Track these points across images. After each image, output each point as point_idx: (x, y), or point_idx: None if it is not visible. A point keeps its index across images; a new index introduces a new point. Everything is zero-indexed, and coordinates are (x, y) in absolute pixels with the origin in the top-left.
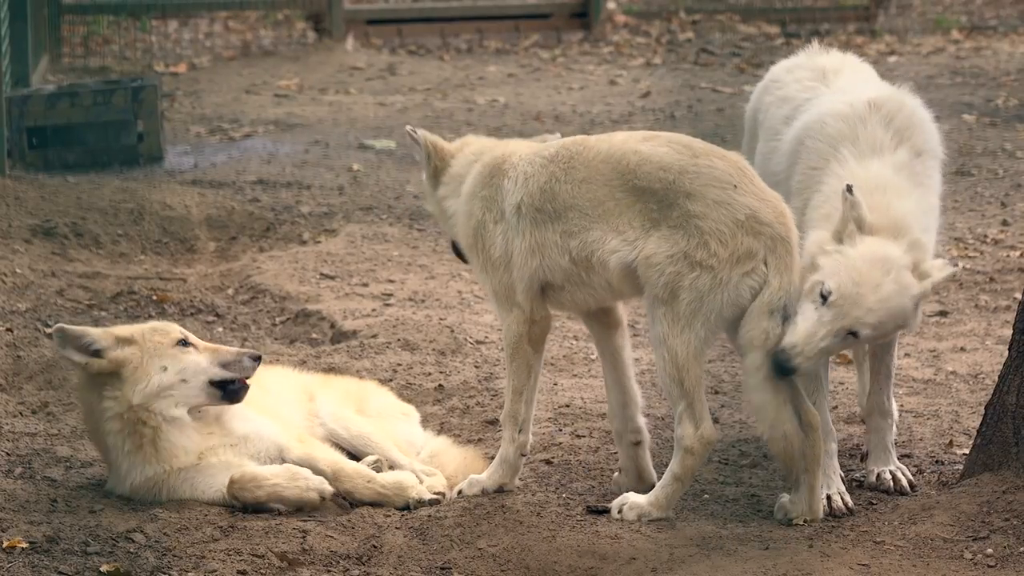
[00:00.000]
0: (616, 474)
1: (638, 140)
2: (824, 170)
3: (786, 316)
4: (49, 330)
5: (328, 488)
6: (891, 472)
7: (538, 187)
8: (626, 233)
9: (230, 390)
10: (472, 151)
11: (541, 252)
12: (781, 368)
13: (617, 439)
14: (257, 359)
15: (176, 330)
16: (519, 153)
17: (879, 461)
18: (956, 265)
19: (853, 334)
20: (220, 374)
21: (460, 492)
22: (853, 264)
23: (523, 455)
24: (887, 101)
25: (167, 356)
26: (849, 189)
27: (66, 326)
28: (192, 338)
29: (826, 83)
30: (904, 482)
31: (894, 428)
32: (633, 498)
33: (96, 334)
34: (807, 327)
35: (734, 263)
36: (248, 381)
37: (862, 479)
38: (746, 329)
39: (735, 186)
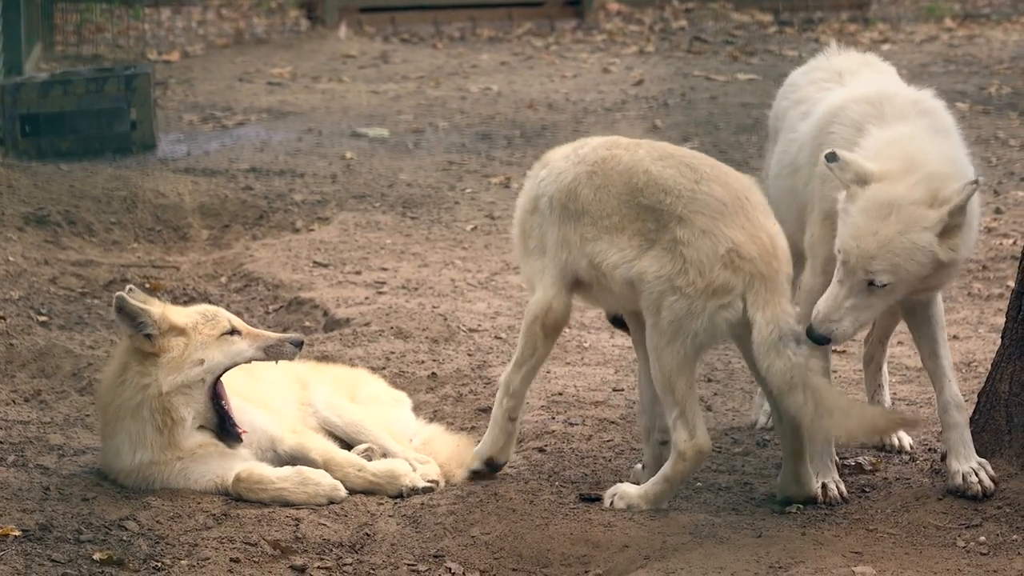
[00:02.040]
0: (638, 466)
1: (654, 158)
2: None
3: (797, 340)
4: (39, 316)
5: (341, 493)
6: (974, 470)
7: (565, 185)
8: (625, 251)
9: (228, 430)
10: None
11: (568, 247)
12: (816, 340)
13: (644, 435)
14: (299, 344)
15: (224, 319)
16: (563, 150)
17: (961, 458)
18: (976, 181)
19: (872, 284)
20: (256, 356)
21: (472, 471)
22: (852, 218)
23: (512, 419)
24: (913, 92)
25: (209, 347)
26: (828, 157)
27: (128, 299)
28: (238, 323)
29: (842, 83)
30: (989, 483)
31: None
32: (624, 488)
33: (155, 318)
34: (829, 291)
35: (710, 295)
36: (243, 372)
37: (852, 464)
38: (769, 377)
39: (724, 216)
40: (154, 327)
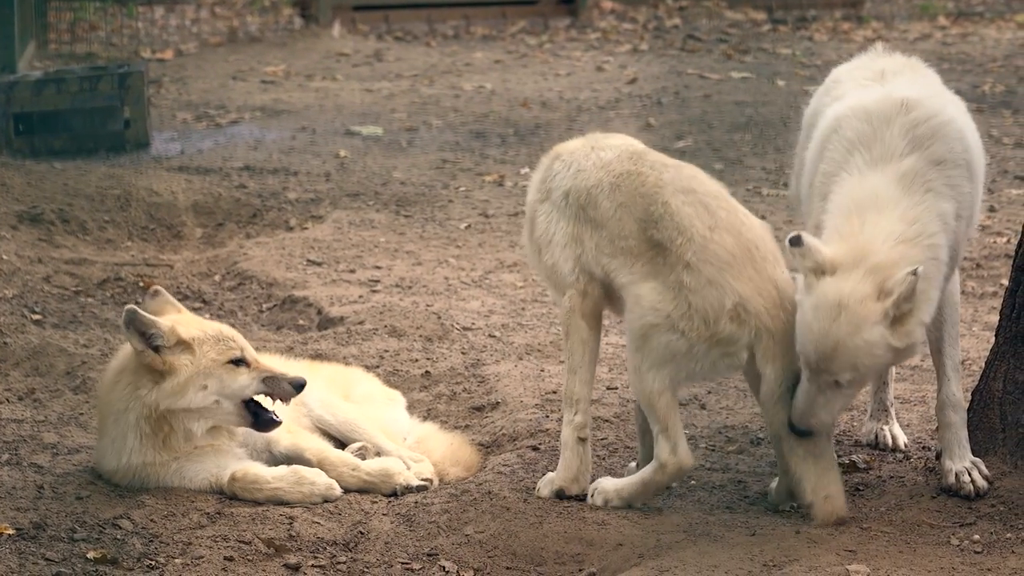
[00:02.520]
0: (632, 464)
1: (676, 189)
2: (836, 178)
3: None
4: (32, 315)
5: (336, 492)
6: (967, 470)
7: (585, 187)
8: (635, 276)
9: (263, 419)
10: None
11: (582, 246)
12: (799, 433)
13: (640, 435)
14: (299, 387)
15: (236, 346)
16: (576, 145)
17: (955, 457)
18: (915, 272)
19: (838, 383)
20: (259, 390)
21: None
22: (805, 319)
23: (582, 439)
24: (920, 104)
25: (213, 375)
26: (793, 241)
27: (139, 311)
28: (249, 353)
29: (884, 84)
30: (982, 483)
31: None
32: (603, 483)
33: (164, 330)
34: (801, 389)
35: (713, 343)
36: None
37: (846, 463)
38: (769, 422)
39: (732, 268)
40: (162, 339)
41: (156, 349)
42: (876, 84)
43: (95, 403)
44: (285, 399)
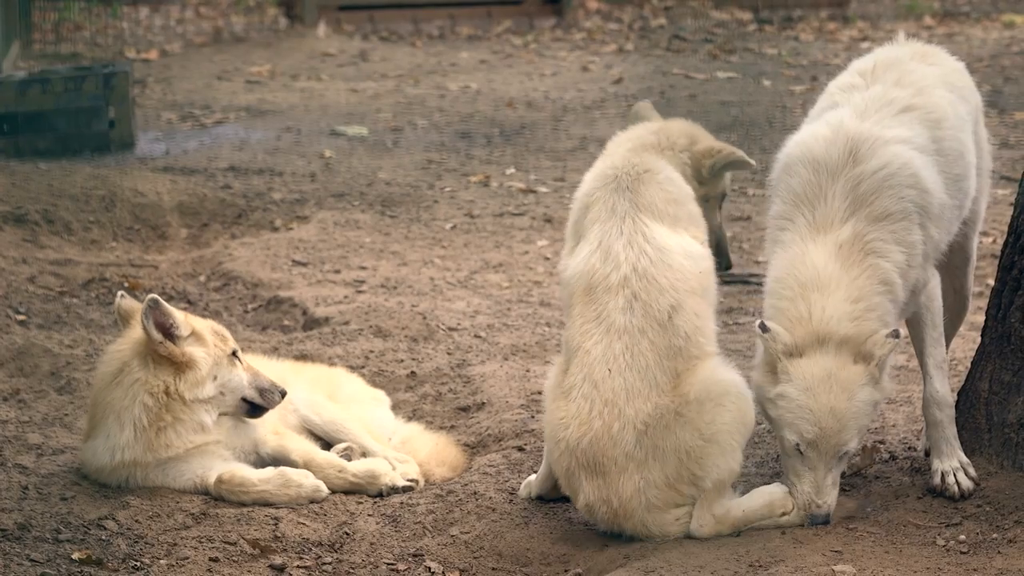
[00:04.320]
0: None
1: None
2: (782, 233)
3: None
4: (17, 315)
5: (323, 493)
6: (953, 470)
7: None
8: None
9: (256, 406)
10: None
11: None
12: (820, 523)
13: None
14: (283, 394)
15: (231, 339)
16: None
17: (943, 456)
18: (897, 335)
19: (847, 455)
20: (254, 397)
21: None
22: (800, 403)
23: None
24: (872, 152)
25: (222, 367)
26: (762, 328)
27: (161, 301)
28: (239, 351)
29: (866, 82)
30: (967, 484)
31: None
32: (529, 478)
33: (180, 321)
34: (806, 481)
35: None
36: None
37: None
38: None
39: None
40: (180, 330)
41: (173, 341)
42: (862, 78)
43: (86, 406)
44: (274, 406)
